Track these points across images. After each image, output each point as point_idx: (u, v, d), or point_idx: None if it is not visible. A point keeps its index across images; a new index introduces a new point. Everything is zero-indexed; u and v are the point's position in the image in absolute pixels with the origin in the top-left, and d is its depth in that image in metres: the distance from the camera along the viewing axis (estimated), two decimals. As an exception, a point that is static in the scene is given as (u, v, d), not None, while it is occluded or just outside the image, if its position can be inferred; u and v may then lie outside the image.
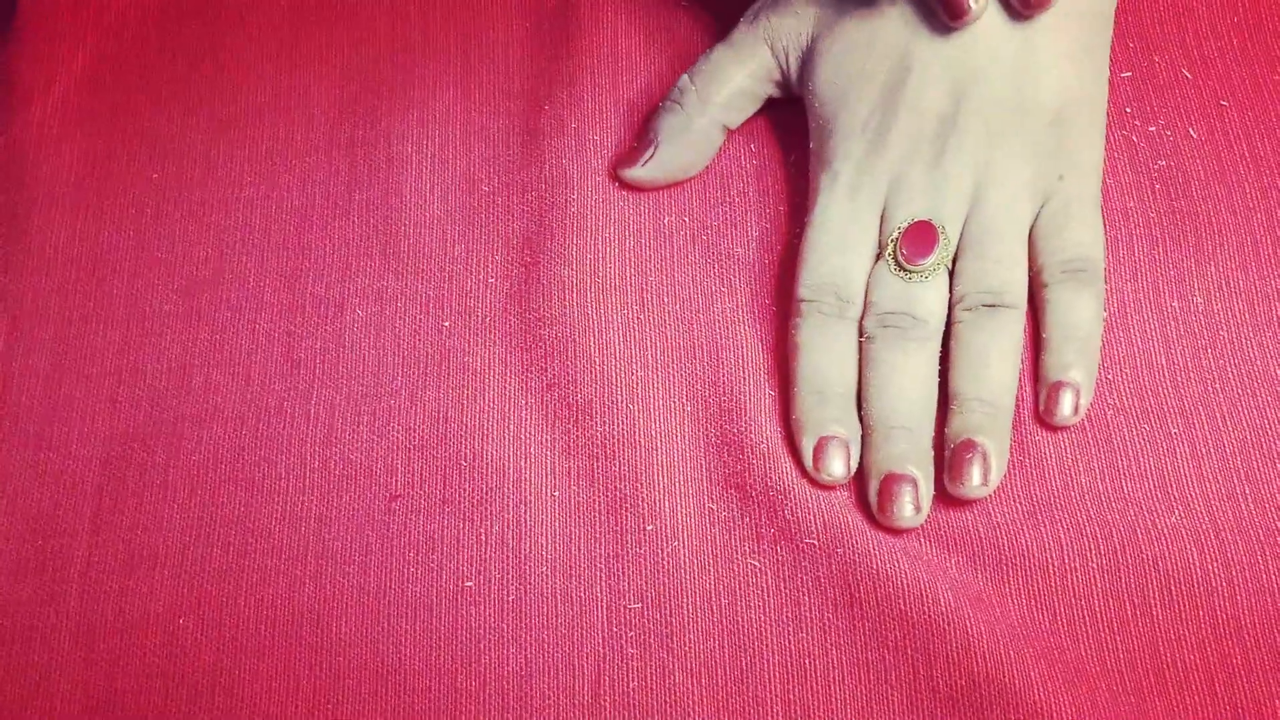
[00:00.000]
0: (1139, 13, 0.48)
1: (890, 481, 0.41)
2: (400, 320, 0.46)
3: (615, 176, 0.47)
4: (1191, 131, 0.46)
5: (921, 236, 0.43)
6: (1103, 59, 0.45)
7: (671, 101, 0.47)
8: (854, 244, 0.44)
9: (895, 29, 0.44)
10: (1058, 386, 0.42)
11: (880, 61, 0.44)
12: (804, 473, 0.42)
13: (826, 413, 0.42)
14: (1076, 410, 0.42)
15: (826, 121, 0.45)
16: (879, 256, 0.44)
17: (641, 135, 0.47)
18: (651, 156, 0.46)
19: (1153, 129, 0.46)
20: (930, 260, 0.43)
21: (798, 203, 0.46)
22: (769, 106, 0.48)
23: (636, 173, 0.46)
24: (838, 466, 0.42)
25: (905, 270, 0.43)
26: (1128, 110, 0.46)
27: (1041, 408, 0.42)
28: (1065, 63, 0.43)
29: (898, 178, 0.43)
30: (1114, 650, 0.40)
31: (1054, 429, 0.42)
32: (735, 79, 0.46)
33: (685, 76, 0.47)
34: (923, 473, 0.41)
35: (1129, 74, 0.47)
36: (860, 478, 0.42)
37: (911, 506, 0.41)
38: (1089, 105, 0.44)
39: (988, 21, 0.43)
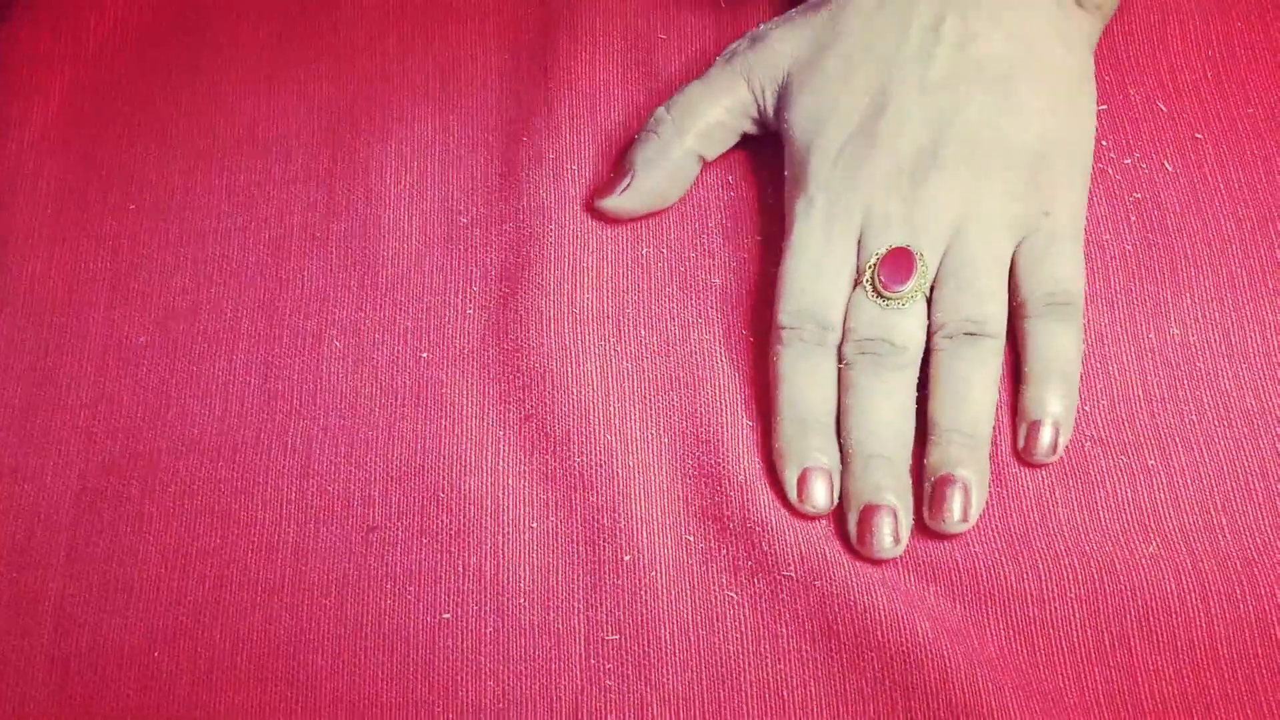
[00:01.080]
0: (1114, 47, 0.48)
1: (869, 512, 0.41)
2: (378, 351, 0.46)
3: (592, 207, 0.47)
4: (1167, 164, 0.46)
5: (898, 263, 0.43)
6: (1085, 110, 0.45)
7: (648, 131, 0.47)
8: (832, 270, 0.44)
9: (872, 70, 0.44)
10: (1038, 424, 0.42)
11: (858, 95, 0.44)
12: (784, 503, 0.42)
13: (809, 442, 0.42)
14: (1055, 448, 0.42)
15: (802, 148, 0.45)
16: (857, 283, 0.44)
17: (618, 166, 0.47)
18: (628, 186, 0.46)
19: (1128, 161, 0.46)
20: (908, 287, 0.43)
21: (775, 234, 0.46)
22: (746, 141, 0.48)
23: (614, 202, 0.46)
24: (821, 497, 0.42)
25: (883, 296, 0.43)
26: (1104, 143, 0.47)
27: (1021, 445, 0.42)
28: (1046, 113, 0.43)
29: (874, 207, 0.43)
30: (1092, 681, 0.40)
31: (1033, 465, 0.42)
32: (712, 112, 0.46)
33: (662, 108, 0.47)
34: (901, 503, 0.41)
35: (1104, 107, 0.47)
36: (838, 507, 0.42)
37: (891, 537, 0.41)
38: (1071, 149, 0.44)
39: (967, 72, 0.44)
